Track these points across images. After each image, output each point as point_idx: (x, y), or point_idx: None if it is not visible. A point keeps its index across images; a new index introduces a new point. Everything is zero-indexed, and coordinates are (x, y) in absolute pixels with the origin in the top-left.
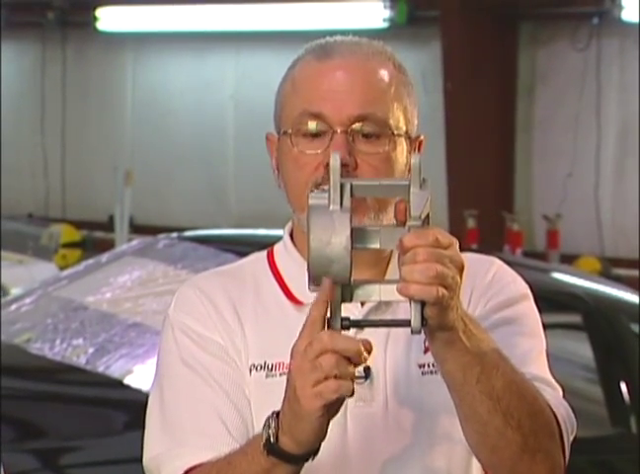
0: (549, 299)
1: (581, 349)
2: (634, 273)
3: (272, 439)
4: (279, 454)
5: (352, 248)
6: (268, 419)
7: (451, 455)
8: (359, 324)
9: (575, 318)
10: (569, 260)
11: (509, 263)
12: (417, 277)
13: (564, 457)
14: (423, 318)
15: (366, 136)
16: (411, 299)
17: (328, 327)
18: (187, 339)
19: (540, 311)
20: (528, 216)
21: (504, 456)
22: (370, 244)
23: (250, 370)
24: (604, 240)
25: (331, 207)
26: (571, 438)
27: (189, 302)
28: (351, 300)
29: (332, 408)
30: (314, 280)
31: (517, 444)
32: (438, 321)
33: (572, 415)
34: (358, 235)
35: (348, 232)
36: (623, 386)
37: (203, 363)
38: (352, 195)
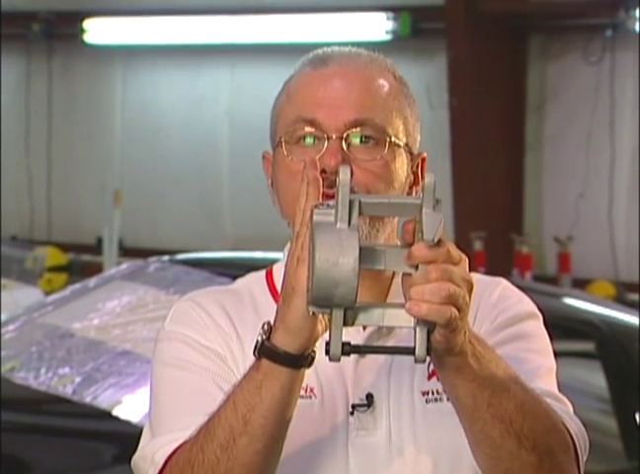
0: (561, 326)
1: (594, 378)
2: None
3: (264, 337)
4: (272, 354)
5: (359, 269)
6: (262, 325)
7: None
8: (359, 350)
9: (588, 346)
10: (581, 284)
11: (518, 287)
12: (428, 297)
13: (579, 473)
14: (428, 346)
15: (363, 143)
16: (418, 322)
17: (326, 352)
18: (185, 346)
19: (551, 338)
20: (538, 238)
21: None
22: (376, 265)
23: None
24: (619, 263)
25: (338, 225)
26: (585, 455)
27: (186, 315)
28: (352, 324)
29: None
30: (316, 303)
31: (532, 466)
32: (446, 345)
33: (584, 430)
34: (364, 255)
35: (356, 253)
36: (638, 417)
37: (200, 365)
38: (360, 213)
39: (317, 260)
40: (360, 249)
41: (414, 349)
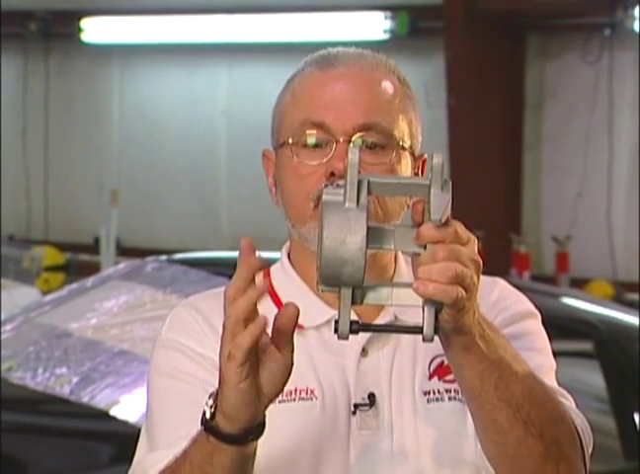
0: (559, 326)
1: (593, 378)
2: None
3: (207, 416)
4: (214, 432)
5: (367, 248)
6: (209, 396)
7: None
8: (368, 328)
9: (586, 346)
10: (580, 284)
11: (516, 287)
12: (435, 277)
13: (585, 468)
14: (436, 325)
15: (370, 147)
16: (426, 302)
17: (335, 331)
18: (180, 355)
19: (550, 338)
20: (536, 238)
21: (525, 467)
22: (384, 245)
23: None
24: (617, 263)
25: (347, 205)
26: (590, 450)
27: (183, 321)
28: (361, 303)
29: (248, 370)
30: (324, 281)
31: (539, 454)
32: (453, 325)
33: (588, 426)
34: (373, 235)
35: (364, 232)
36: (637, 417)
37: (194, 375)
38: (369, 193)
39: (325, 239)
40: (368, 228)
41: (422, 328)
